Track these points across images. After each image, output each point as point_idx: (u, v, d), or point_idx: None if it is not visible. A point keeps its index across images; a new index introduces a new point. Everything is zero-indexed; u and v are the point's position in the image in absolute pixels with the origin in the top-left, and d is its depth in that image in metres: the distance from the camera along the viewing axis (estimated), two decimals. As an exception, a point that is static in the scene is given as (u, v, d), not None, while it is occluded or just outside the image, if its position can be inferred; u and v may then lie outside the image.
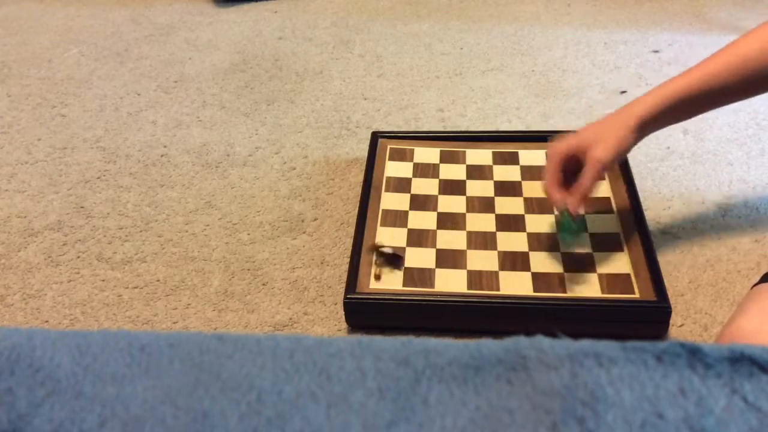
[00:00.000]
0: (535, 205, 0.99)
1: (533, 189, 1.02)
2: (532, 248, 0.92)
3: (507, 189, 1.02)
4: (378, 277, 0.89)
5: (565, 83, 1.34)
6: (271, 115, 1.29)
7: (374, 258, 0.91)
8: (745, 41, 0.82)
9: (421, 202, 1.00)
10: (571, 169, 0.86)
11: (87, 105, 1.33)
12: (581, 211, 0.88)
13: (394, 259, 0.91)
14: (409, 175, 1.05)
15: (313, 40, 1.52)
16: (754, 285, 0.76)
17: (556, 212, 0.94)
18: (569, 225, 0.90)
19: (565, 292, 0.86)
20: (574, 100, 1.29)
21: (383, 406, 0.36)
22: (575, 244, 0.92)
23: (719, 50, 0.83)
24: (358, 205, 1.00)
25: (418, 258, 0.91)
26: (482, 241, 0.94)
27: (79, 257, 1.00)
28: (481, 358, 0.38)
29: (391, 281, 0.88)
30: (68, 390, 0.38)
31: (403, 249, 0.93)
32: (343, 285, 0.90)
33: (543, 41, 1.48)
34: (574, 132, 0.87)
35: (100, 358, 0.40)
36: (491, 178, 1.04)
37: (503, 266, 0.90)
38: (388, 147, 1.11)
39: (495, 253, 0.92)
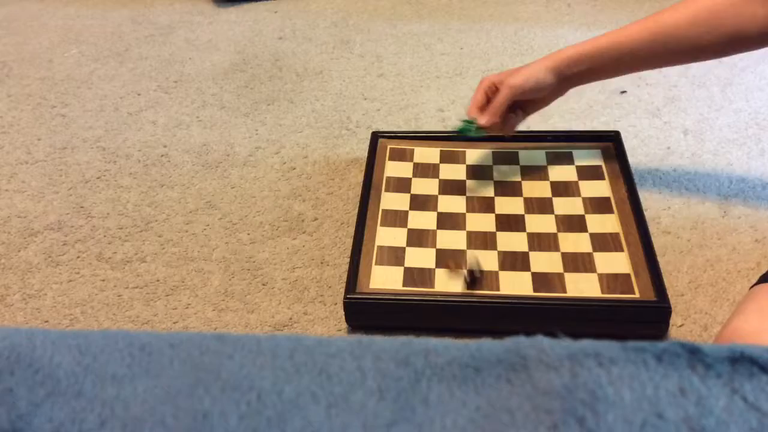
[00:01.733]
0: (535, 205, 0.99)
1: (533, 189, 1.02)
2: (532, 248, 0.92)
3: (507, 189, 1.02)
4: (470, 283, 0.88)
5: (565, 83, 1.34)
6: (271, 115, 1.29)
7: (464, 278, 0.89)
8: (667, 12, 0.89)
9: (421, 202, 1.00)
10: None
11: (87, 105, 1.33)
12: (485, 124, 0.96)
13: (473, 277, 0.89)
14: (409, 175, 1.05)
15: (313, 40, 1.52)
16: (753, 285, 0.76)
17: (464, 119, 0.99)
18: (469, 128, 0.97)
19: (565, 292, 0.86)
20: (574, 100, 1.29)
21: (383, 406, 0.36)
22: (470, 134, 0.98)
23: (645, 18, 0.90)
24: (358, 205, 1.00)
25: (418, 258, 0.91)
26: (482, 241, 0.94)
27: (79, 257, 1.00)
28: (481, 358, 0.38)
29: (391, 281, 0.88)
30: (68, 390, 0.38)
31: (403, 249, 0.93)
32: (343, 285, 0.90)
33: (543, 41, 1.48)
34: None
35: (100, 358, 0.40)
36: (491, 178, 1.04)
37: (503, 266, 0.90)
38: (388, 147, 1.11)
39: (495, 253, 0.92)
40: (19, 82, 1.41)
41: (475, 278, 0.87)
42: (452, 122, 1.24)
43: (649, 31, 0.88)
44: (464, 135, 0.99)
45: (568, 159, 1.07)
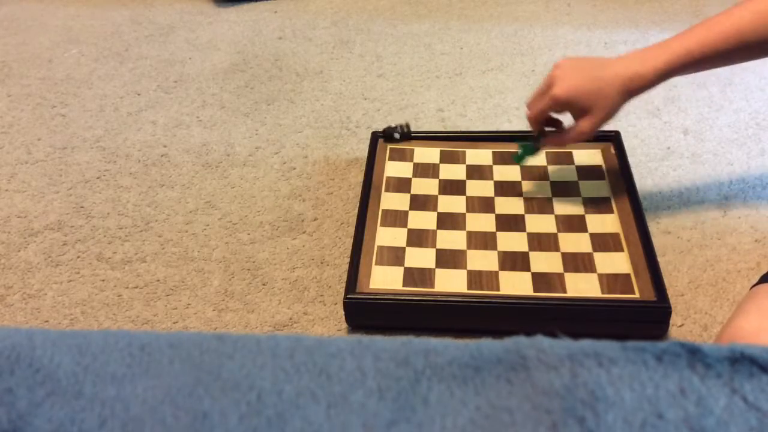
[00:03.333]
0: (535, 205, 0.99)
1: (533, 189, 1.02)
2: (532, 248, 0.92)
3: (507, 189, 1.02)
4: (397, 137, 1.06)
5: (565, 83, 1.34)
6: (271, 115, 1.29)
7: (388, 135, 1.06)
8: (738, 12, 0.84)
9: (421, 202, 1.00)
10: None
11: (87, 105, 1.33)
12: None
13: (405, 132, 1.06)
14: (409, 175, 1.05)
15: (313, 40, 1.52)
16: (753, 286, 0.76)
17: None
18: (527, 151, 0.99)
19: (565, 292, 0.86)
20: (574, 100, 1.28)
21: (383, 406, 0.36)
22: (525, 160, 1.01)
23: (714, 19, 0.85)
24: (358, 205, 1.00)
25: (418, 258, 0.91)
26: (482, 241, 0.94)
27: (79, 257, 1.00)
28: (481, 358, 0.38)
29: (391, 281, 0.88)
30: (68, 390, 0.38)
31: (403, 249, 0.93)
32: (343, 285, 0.90)
33: (543, 41, 1.48)
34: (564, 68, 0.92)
35: (100, 358, 0.40)
36: (491, 178, 1.04)
37: (503, 266, 0.90)
38: (388, 147, 1.11)
39: (495, 253, 0.92)
40: (19, 82, 1.41)
41: (404, 133, 1.00)
42: (452, 122, 1.25)
43: (728, 34, 0.84)
44: (521, 158, 1.00)
45: (568, 159, 1.07)
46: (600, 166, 1.05)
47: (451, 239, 0.94)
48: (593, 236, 0.93)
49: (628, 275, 0.87)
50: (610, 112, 0.88)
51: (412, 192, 1.02)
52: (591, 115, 0.88)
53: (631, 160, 1.05)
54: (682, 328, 0.87)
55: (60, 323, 0.90)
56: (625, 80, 0.86)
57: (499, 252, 0.92)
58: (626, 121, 1.22)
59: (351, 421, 0.35)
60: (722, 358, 0.36)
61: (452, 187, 1.03)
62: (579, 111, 0.89)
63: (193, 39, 1.55)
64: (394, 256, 0.91)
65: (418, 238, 0.94)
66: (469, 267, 0.90)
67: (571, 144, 0.97)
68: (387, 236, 0.94)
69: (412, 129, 1.23)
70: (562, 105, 0.90)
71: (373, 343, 0.39)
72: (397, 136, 1.06)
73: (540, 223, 0.96)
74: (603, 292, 0.85)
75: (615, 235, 0.93)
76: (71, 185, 1.13)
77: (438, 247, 0.93)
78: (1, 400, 0.37)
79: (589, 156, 1.07)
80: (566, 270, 0.89)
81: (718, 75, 1.33)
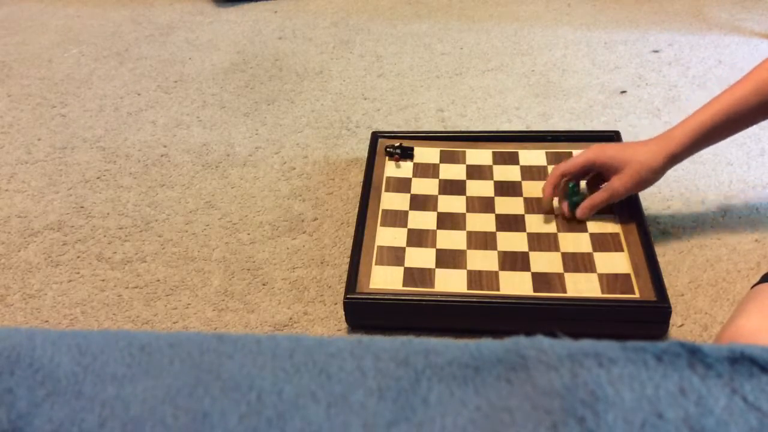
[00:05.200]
0: (535, 205, 0.99)
1: (533, 189, 1.02)
2: (532, 248, 0.92)
3: (507, 189, 1.02)
4: (399, 165, 1.06)
5: (565, 83, 1.34)
6: (271, 115, 1.29)
7: (389, 153, 1.08)
8: (763, 68, 0.87)
9: (421, 202, 1.00)
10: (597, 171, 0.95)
11: (87, 105, 1.33)
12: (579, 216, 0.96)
13: (407, 151, 1.08)
14: (409, 175, 1.05)
15: (313, 40, 1.52)
16: (754, 285, 0.76)
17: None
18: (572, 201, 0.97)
19: (565, 292, 0.86)
20: (574, 100, 1.29)
21: (383, 406, 0.36)
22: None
23: (744, 77, 0.89)
24: (358, 205, 1.00)
25: (418, 258, 0.91)
26: (482, 241, 0.94)
27: (79, 257, 1.00)
28: (481, 358, 0.38)
29: (391, 281, 0.88)
30: (68, 390, 0.38)
31: (403, 249, 0.93)
32: (343, 285, 0.90)
33: (543, 41, 1.48)
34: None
35: (100, 358, 0.40)
36: (491, 178, 1.04)
37: (503, 266, 0.90)
38: (388, 147, 1.11)
39: (495, 253, 0.92)
40: (19, 82, 1.41)
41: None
42: (452, 122, 1.25)
43: (756, 89, 0.87)
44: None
45: (568, 159, 1.07)
46: (600, 166, 1.05)
47: (451, 239, 0.94)
48: (593, 236, 0.93)
49: (628, 275, 0.87)
50: (644, 170, 0.89)
51: (412, 192, 1.02)
52: (623, 173, 0.90)
53: (631, 160, 1.05)
54: (682, 328, 0.87)
55: (60, 323, 0.90)
56: (657, 140, 0.90)
57: (499, 252, 0.92)
58: (626, 121, 1.22)
59: (351, 421, 0.35)
60: (722, 358, 0.36)
61: (452, 187, 1.03)
62: (612, 168, 0.90)
63: (193, 39, 1.55)
64: (394, 256, 0.91)
65: (418, 238, 0.94)
66: (469, 267, 0.90)
67: (603, 206, 0.93)
68: (387, 236, 0.94)
69: (413, 129, 1.23)
70: (593, 161, 0.92)
71: (373, 343, 0.39)
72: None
73: (540, 223, 0.96)
74: (603, 292, 0.85)
75: (615, 235, 0.93)
76: (71, 185, 1.13)
77: (438, 247, 0.93)
78: (1, 400, 0.37)
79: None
80: (566, 270, 0.89)
81: (718, 75, 1.33)
